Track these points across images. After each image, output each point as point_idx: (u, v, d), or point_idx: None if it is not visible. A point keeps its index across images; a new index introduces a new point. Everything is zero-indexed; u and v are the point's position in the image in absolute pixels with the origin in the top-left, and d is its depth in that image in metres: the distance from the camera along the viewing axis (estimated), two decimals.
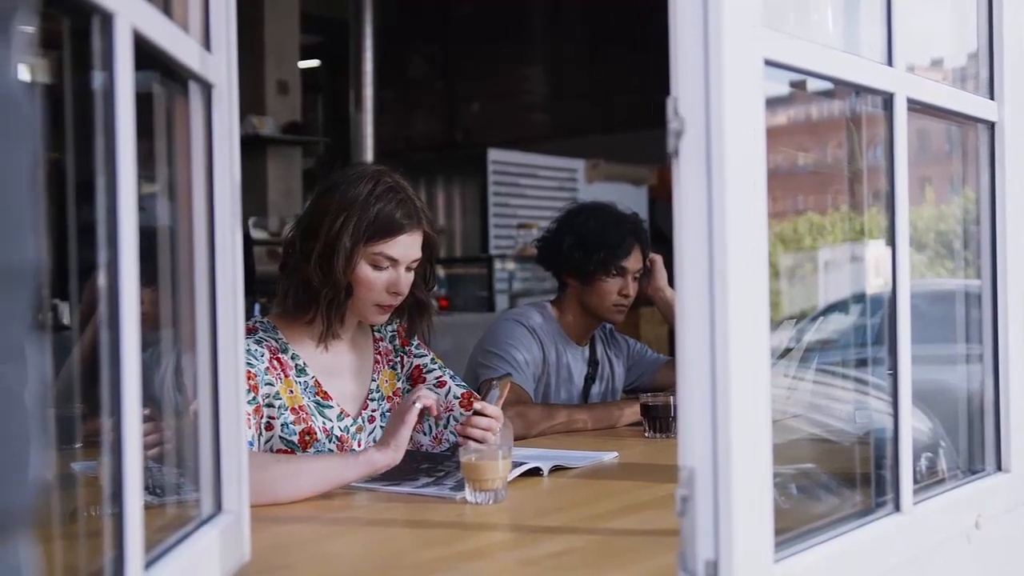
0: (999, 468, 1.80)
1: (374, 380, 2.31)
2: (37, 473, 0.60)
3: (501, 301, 7.37)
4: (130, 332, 1.00)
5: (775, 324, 1.29)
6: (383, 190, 2.16)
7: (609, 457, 2.32)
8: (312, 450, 2.14)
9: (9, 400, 0.57)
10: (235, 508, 1.37)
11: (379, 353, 2.35)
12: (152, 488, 1.34)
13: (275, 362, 2.15)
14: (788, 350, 2.19)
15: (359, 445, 2.22)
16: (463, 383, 2.38)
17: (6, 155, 0.57)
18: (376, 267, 2.16)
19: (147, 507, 1.06)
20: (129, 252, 1.00)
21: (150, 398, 1.14)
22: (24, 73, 0.61)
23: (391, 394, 2.33)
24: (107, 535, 1.03)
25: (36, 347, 0.60)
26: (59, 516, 1.23)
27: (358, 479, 1.94)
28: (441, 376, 2.37)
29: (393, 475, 2.01)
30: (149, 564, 1.09)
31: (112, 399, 1.00)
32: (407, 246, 2.18)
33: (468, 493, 1.85)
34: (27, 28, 0.61)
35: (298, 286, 2.17)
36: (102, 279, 0.99)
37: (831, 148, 2.07)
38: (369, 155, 8.28)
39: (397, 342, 2.38)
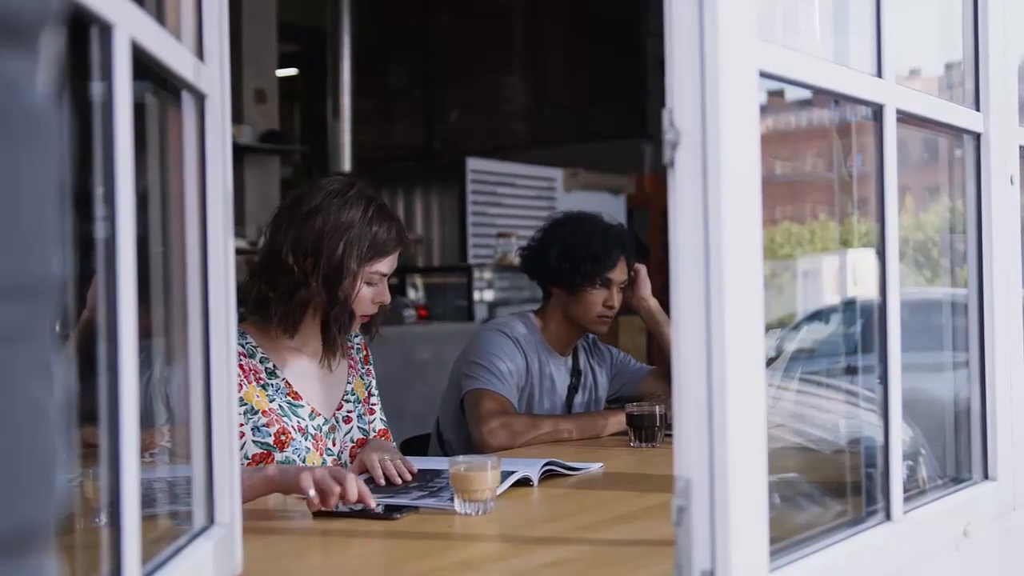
0: (986, 476, 1.81)
1: (349, 383, 2.39)
2: (61, 487, 0.60)
3: (480, 310, 7.36)
4: (127, 343, 1.00)
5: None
6: (375, 212, 2.26)
7: (596, 467, 2.32)
8: (290, 448, 2.19)
9: (36, 415, 0.57)
10: (227, 521, 1.36)
11: (352, 359, 2.43)
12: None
13: (238, 368, 2.16)
14: (771, 359, 2.20)
15: (334, 444, 2.30)
16: (385, 419, 2.50)
17: (35, 171, 0.57)
18: (370, 283, 2.26)
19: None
20: (127, 261, 1.00)
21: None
22: (50, 87, 0.61)
23: (363, 398, 2.43)
24: (103, 547, 1.02)
25: (60, 361, 0.60)
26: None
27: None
28: (375, 405, 2.49)
29: (385, 490, 2.00)
30: None
31: (109, 412, 0.99)
32: (395, 260, 2.31)
33: (457, 504, 1.84)
34: (54, 41, 0.61)
35: (297, 306, 2.22)
36: (100, 290, 0.98)
37: (809, 157, 2.09)
38: (347, 164, 8.25)
39: (361, 355, 2.48)
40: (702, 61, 1.15)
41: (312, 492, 1.78)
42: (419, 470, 2.19)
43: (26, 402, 0.56)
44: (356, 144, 8.23)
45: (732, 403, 1.15)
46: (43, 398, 0.58)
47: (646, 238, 7.46)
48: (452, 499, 1.88)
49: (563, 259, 2.97)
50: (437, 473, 2.16)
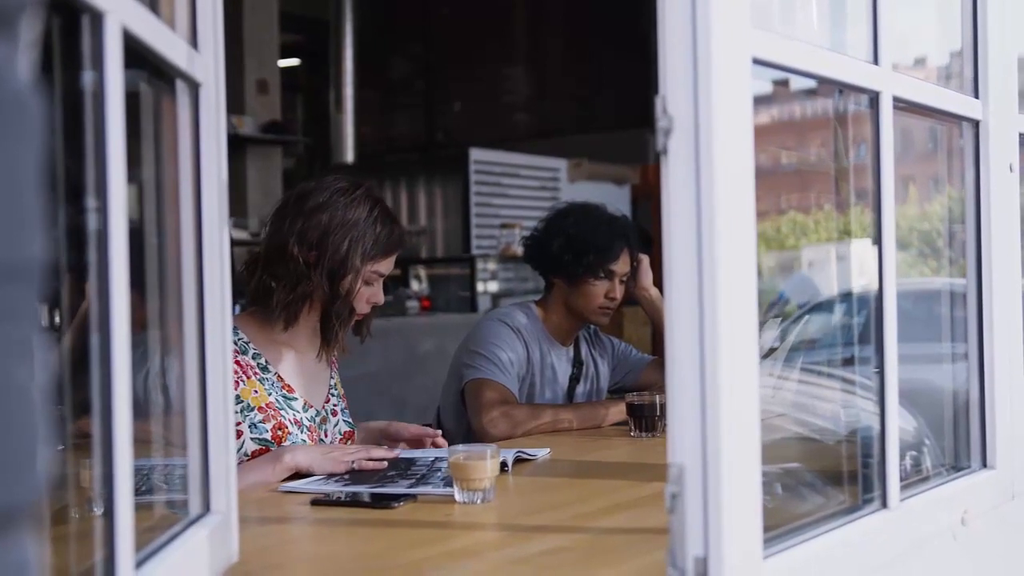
0: (984, 465, 1.81)
1: (332, 378, 2.44)
2: (44, 469, 0.60)
3: (483, 301, 7.36)
4: (120, 333, 1.00)
5: (760, 323, 1.29)
6: (380, 212, 2.30)
7: (542, 454, 2.34)
8: (287, 443, 2.22)
9: (18, 396, 0.58)
10: (223, 509, 1.37)
11: (334, 356, 2.47)
12: (138, 488, 1.33)
13: (235, 365, 2.20)
14: (772, 349, 2.19)
15: (325, 435, 2.35)
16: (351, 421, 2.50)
17: (14, 154, 0.57)
18: (367, 283, 2.30)
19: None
20: (119, 252, 1.00)
21: (134, 399, 1.14)
22: (30, 72, 0.61)
23: (343, 394, 2.48)
24: (97, 536, 1.02)
25: (43, 343, 0.61)
26: (46, 517, 1.22)
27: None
28: (344, 404, 2.50)
29: (372, 481, 2.00)
30: (139, 564, 1.08)
31: (102, 401, 0.99)
32: (392, 262, 2.36)
33: (456, 493, 1.84)
34: (32, 28, 0.62)
35: (299, 298, 2.25)
36: (92, 281, 0.99)
37: (814, 147, 2.08)
38: (349, 156, 8.26)
39: (336, 355, 2.51)
40: (694, 48, 1.15)
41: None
42: (398, 459, 2.20)
43: (8, 383, 0.57)
44: (358, 135, 8.23)
45: (725, 390, 1.15)
46: (25, 380, 0.58)
47: (651, 228, 7.45)
48: (444, 485, 1.89)
49: (566, 250, 2.97)
50: (410, 462, 2.17)
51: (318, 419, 2.34)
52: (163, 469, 1.47)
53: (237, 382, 2.19)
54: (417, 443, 2.40)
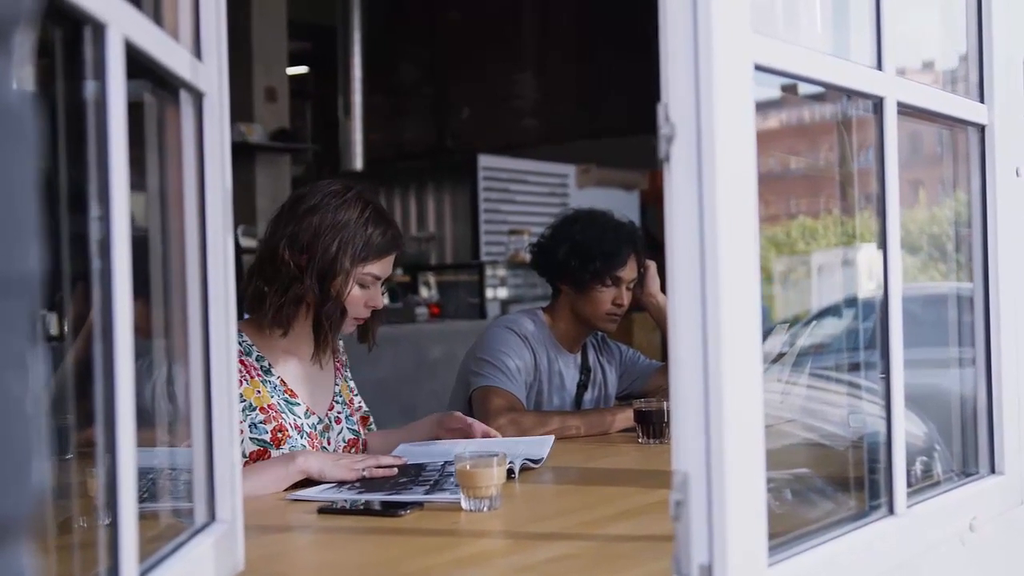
0: (992, 471, 1.80)
1: (336, 385, 2.44)
2: (38, 481, 0.60)
3: (492, 308, 7.36)
4: (123, 342, 1.00)
5: (768, 328, 1.29)
6: (372, 214, 2.29)
7: (548, 444, 2.37)
8: (286, 446, 2.22)
9: (11, 407, 0.58)
10: (229, 517, 1.37)
11: (339, 362, 2.48)
12: (143, 496, 1.34)
13: (239, 365, 2.21)
14: (781, 354, 2.19)
15: (328, 443, 2.35)
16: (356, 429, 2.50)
17: (9, 166, 0.57)
18: (362, 286, 2.29)
19: (140, 515, 1.06)
20: (122, 262, 1.00)
21: (141, 408, 1.14)
22: (25, 84, 0.61)
23: (348, 401, 2.47)
24: (102, 545, 1.02)
25: (37, 355, 0.61)
26: (52, 526, 1.22)
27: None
28: (358, 399, 2.52)
29: (384, 489, 2.00)
30: (143, 574, 1.09)
31: (106, 410, 1.00)
32: (390, 265, 2.34)
33: (463, 500, 1.84)
34: (28, 39, 0.62)
35: (291, 302, 2.25)
36: (95, 290, 0.99)
37: (823, 152, 2.08)
38: (358, 162, 8.26)
39: (344, 359, 2.52)
40: (696, 54, 1.15)
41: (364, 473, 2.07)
42: (406, 465, 2.20)
43: (2, 395, 0.57)
44: (367, 142, 8.23)
45: (728, 396, 1.15)
46: (19, 391, 0.58)
47: (660, 234, 7.44)
48: (455, 490, 1.88)
49: (573, 256, 2.97)
50: (419, 468, 2.16)
51: (320, 426, 2.34)
52: (169, 474, 1.47)
53: (240, 381, 2.19)
54: (464, 434, 2.42)
